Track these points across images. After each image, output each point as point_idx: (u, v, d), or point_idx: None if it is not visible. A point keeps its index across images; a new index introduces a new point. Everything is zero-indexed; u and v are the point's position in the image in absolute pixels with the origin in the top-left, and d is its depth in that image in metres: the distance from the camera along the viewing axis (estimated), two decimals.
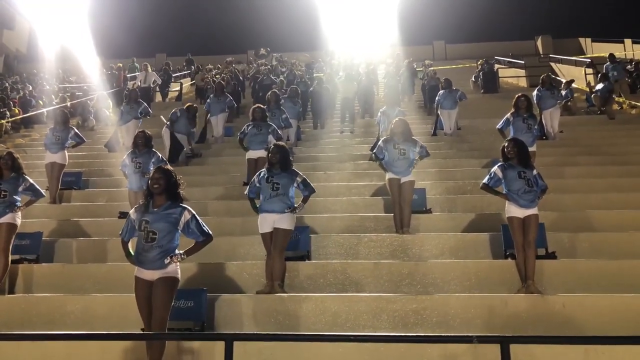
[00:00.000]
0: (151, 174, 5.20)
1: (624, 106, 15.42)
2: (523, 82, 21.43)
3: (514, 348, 3.63)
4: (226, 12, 35.45)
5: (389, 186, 7.75)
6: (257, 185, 6.59)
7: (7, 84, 20.70)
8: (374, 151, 8.19)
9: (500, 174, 6.41)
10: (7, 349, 5.24)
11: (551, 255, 6.76)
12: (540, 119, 11.61)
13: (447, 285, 6.55)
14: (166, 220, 4.99)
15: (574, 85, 16.10)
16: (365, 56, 23.29)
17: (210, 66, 23.67)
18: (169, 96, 21.07)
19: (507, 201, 6.35)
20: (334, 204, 8.97)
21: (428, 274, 6.67)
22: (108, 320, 6.00)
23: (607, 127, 13.54)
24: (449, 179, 9.87)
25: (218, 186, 10.17)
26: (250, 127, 9.54)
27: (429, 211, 8.46)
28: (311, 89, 15.74)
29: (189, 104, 13.01)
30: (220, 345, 3.97)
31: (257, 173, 6.82)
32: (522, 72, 22.11)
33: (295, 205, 6.49)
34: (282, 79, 17.96)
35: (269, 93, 11.54)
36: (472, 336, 3.79)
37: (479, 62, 21.39)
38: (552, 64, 23.27)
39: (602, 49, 24.05)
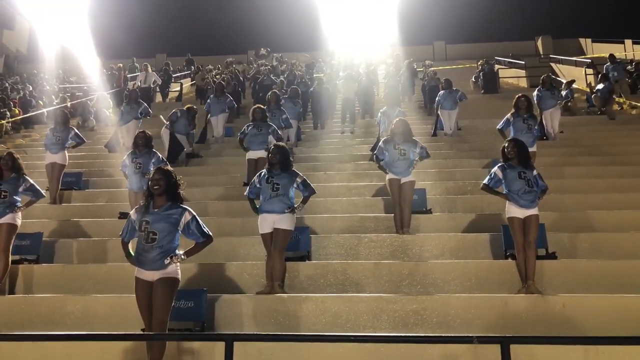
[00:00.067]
0: (151, 175, 5.21)
1: (625, 106, 15.42)
2: (523, 83, 21.44)
3: (514, 348, 3.63)
4: (226, 12, 35.49)
5: (389, 186, 7.75)
6: (257, 186, 6.59)
7: (7, 85, 20.69)
8: (375, 152, 8.19)
9: (500, 175, 6.41)
10: (7, 349, 5.24)
11: (551, 256, 6.76)
12: (541, 119, 11.61)
13: (448, 285, 6.55)
14: (166, 220, 5.00)
15: (574, 85, 16.11)
16: (366, 56, 23.29)
17: (210, 66, 23.67)
18: (169, 96, 21.07)
19: (507, 201, 6.35)
20: (334, 205, 8.97)
21: (428, 274, 6.67)
22: (108, 320, 6.00)
23: (607, 128, 13.54)
24: (449, 180, 9.87)
25: (218, 186, 10.16)
26: (250, 127, 9.54)
27: (429, 211, 8.46)
28: (311, 89, 15.74)
29: (189, 105, 13.02)
30: (220, 346, 3.97)
31: (258, 174, 6.82)
32: (522, 72, 22.12)
33: (295, 206, 6.49)
34: (283, 79, 17.97)
35: (269, 93, 11.54)
36: (472, 336, 3.79)
37: (479, 63, 21.39)
38: (553, 65, 23.28)
39: (602, 50, 24.05)
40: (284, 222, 6.35)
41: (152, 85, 18.38)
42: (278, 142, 7.68)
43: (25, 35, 28.95)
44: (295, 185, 6.54)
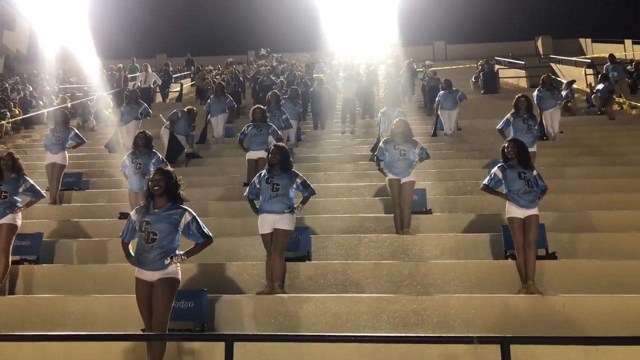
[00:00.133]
0: (151, 175, 5.21)
1: (624, 107, 15.42)
2: (523, 83, 21.45)
3: (514, 348, 3.63)
4: (226, 12, 35.50)
5: (389, 187, 7.76)
6: (257, 186, 6.59)
7: (7, 85, 20.69)
8: (376, 153, 8.19)
9: (500, 175, 6.41)
10: (7, 349, 5.24)
11: (551, 256, 6.76)
12: (541, 119, 11.61)
13: (448, 285, 6.56)
14: (167, 221, 5.00)
15: (574, 85, 16.11)
16: (366, 57, 23.29)
17: (210, 67, 23.68)
18: (169, 97, 21.08)
19: (507, 201, 6.35)
20: (334, 205, 8.97)
21: (428, 274, 6.67)
22: (108, 320, 6.00)
23: (607, 128, 13.54)
24: (449, 180, 9.87)
25: (218, 187, 10.17)
26: (250, 127, 9.54)
27: (429, 212, 8.46)
28: (311, 89, 15.74)
29: (189, 107, 13.01)
30: (220, 346, 3.97)
31: (258, 174, 6.82)
32: (522, 72, 22.13)
33: (295, 206, 6.49)
34: (283, 79, 17.98)
35: (269, 94, 11.55)
36: (472, 337, 3.79)
37: (479, 63, 21.40)
38: (552, 65, 23.28)
39: (602, 50, 24.06)
40: (284, 222, 6.36)
41: (152, 86, 18.39)
42: (278, 143, 7.68)
43: (26, 36, 28.95)
44: (295, 185, 6.54)
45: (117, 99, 17.80)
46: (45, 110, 16.92)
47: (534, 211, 6.24)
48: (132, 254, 5.15)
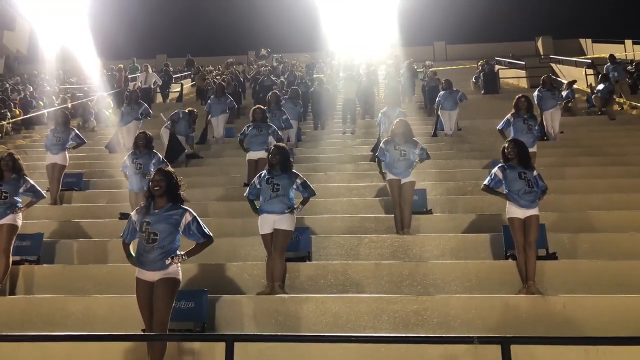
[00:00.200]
0: (152, 176, 5.21)
1: (625, 107, 15.42)
2: (523, 83, 21.46)
3: (514, 349, 3.63)
4: (226, 13, 35.53)
5: (389, 187, 7.76)
6: (258, 186, 6.59)
7: (7, 85, 20.71)
8: (377, 154, 8.19)
9: (500, 175, 6.41)
10: (8, 349, 5.24)
11: (552, 256, 6.76)
12: (541, 119, 11.61)
13: (448, 286, 6.55)
14: (167, 221, 5.00)
15: (574, 86, 16.11)
16: (366, 57, 23.30)
17: (210, 67, 23.68)
18: (169, 97, 21.09)
19: (507, 202, 6.35)
20: (335, 205, 8.97)
21: (429, 274, 6.67)
22: (109, 321, 6.00)
23: (607, 128, 13.55)
24: (450, 180, 9.87)
25: (218, 187, 10.17)
26: (250, 128, 9.54)
27: (429, 212, 8.46)
28: (312, 89, 15.74)
29: (190, 108, 13.00)
30: (220, 346, 3.97)
31: (258, 174, 6.82)
32: (522, 72, 22.14)
33: (295, 207, 6.49)
34: (283, 79, 17.98)
35: (270, 94, 11.55)
36: (472, 337, 3.79)
37: (479, 63, 21.42)
38: (553, 65, 23.30)
39: (602, 50, 24.08)
40: (284, 222, 6.36)
41: (152, 86, 18.39)
42: (278, 143, 7.67)
43: (26, 36, 28.97)
44: (295, 186, 6.54)
45: (117, 99, 17.82)
46: (45, 111, 16.93)
47: (534, 211, 6.24)
48: (133, 254, 5.15)
